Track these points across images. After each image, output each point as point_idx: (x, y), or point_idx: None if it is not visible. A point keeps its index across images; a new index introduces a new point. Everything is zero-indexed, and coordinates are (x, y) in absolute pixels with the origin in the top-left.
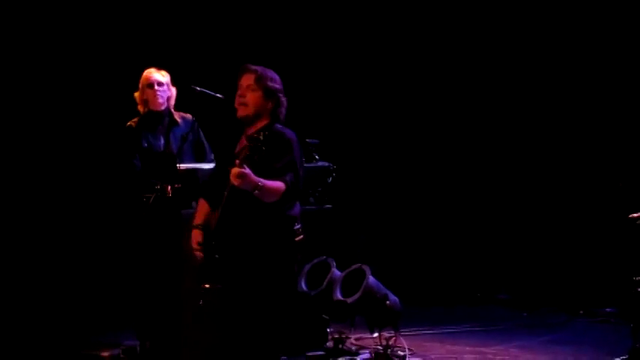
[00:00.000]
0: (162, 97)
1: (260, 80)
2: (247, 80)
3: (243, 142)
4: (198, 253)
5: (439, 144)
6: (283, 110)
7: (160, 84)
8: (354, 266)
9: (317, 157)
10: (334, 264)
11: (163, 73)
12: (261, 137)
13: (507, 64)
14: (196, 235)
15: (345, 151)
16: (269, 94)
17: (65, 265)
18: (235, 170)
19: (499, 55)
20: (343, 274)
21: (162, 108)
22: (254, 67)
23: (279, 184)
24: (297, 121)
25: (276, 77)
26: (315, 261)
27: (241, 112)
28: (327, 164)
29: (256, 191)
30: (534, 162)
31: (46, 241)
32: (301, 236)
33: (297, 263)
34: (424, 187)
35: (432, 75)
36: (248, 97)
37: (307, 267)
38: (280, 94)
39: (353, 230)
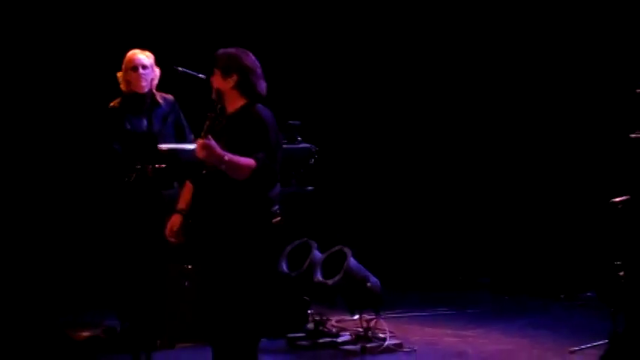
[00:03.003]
0: (145, 79)
1: (217, 62)
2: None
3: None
4: (172, 239)
5: (422, 126)
6: (256, 89)
7: (144, 67)
8: (334, 248)
9: (299, 138)
10: (315, 246)
11: (147, 54)
12: (217, 111)
13: (492, 53)
14: (174, 220)
15: (328, 132)
16: (226, 71)
17: (47, 246)
18: (199, 141)
19: (487, 45)
20: (324, 255)
21: (146, 90)
22: (217, 52)
23: (248, 161)
24: (279, 102)
25: (239, 54)
26: (296, 242)
27: (213, 94)
28: (309, 146)
29: (223, 165)
30: (515, 147)
31: (29, 221)
32: (279, 218)
33: (274, 245)
34: (407, 170)
35: (416, 56)
36: (212, 80)
37: (288, 248)
38: (244, 70)
39: (334, 212)
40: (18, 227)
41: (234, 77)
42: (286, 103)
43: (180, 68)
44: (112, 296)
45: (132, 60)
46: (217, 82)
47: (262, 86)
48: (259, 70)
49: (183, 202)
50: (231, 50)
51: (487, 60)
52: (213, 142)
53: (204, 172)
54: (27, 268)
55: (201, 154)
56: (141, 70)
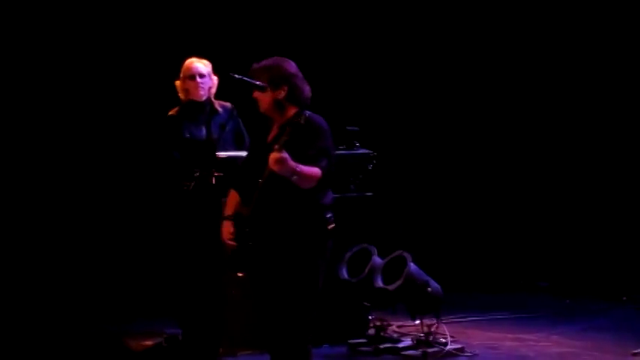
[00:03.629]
0: (203, 88)
1: (260, 76)
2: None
3: (275, 131)
4: (230, 243)
5: (479, 129)
6: (304, 95)
7: (201, 75)
8: (395, 253)
9: (357, 144)
10: (375, 251)
11: (205, 62)
12: (302, 121)
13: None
14: (227, 227)
15: (386, 137)
16: (274, 84)
17: (108, 254)
18: (275, 155)
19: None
20: (384, 261)
21: (204, 99)
22: (254, 67)
23: (315, 170)
24: (337, 108)
25: (283, 64)
26: (356, 249)
27: (260, 108)
28: (367, 151)
29: (294, 177)
30: (574, 148)
31: (92, 229)
32: (333, 225)
33: (329, 251)
34: (465, 174)
35: (472, 61)
36: (257, 95)
37: (348, 255)
38: (291, 79)
39: (394, 218)
40: (83, 235)
41: (285, 88)
42: (344, 108)
43: (236, 75)
44: (173, 305)
45: (190, 69)
46: (266, 97)
47: (308, 91)
48: (301, 75)
49: (230, 208)
50: (271, 62)
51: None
52: (287, 156)
53: (260, 180)
54: (87, 276)
55: (276, 168)
56: (198, 79)
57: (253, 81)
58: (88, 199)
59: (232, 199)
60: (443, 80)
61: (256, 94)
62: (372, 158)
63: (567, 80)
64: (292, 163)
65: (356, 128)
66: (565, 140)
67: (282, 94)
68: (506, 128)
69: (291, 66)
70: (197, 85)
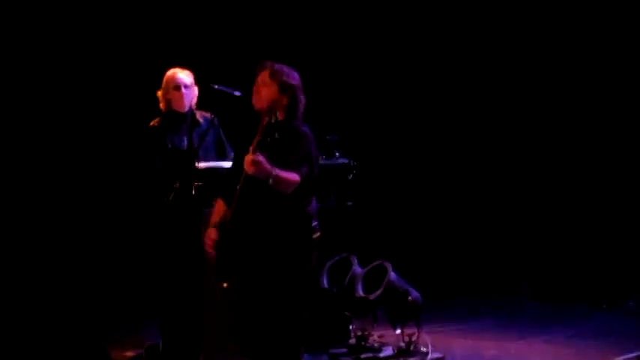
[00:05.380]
0: (187, 99)
1: (274, 75)
2: (263, 76)
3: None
4: (210, 251)
5: (461, 138)
6: (301, 107)
7: (186, 86)
8: (375, 262)
9: (337, 153)
10: (356, 260)
11: (187, 73)
12: (272, 120)
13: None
14: (210, 235)
15: (366, 147)
16: (284, 88)
17: (88, 264)
18: (249, 157)
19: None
20: (365, 270)
21: (187, 109)
22: (270, 63)
23: (293, 175)
24: (317, 117)
25: (294, 74)
26: (337, 258)
27: (256, 104)
28: (347, 161)
29: (271, 180)
30: (558, 154)
31: (69, 240)
32: (318, 233)
33: (314, 260)
34: (445, 182)
35: (456, 68)
36: (262, 91)
37: (328, 264)
38: (297, 91)
39: (374, 227)
40: (66, 244)
41: (290, 96)
42: (323, 117)
43: (216, 85)
44: (154, 314)
45: (174, 79)
46: (273, 96)
47: (303, 105)
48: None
49: (215, 217)
50: (286, 67)
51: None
52: (262, 158)
53: (238, 187)
54: (69, 287)
55: (250, 169)
56: (183, 90)
57: (232, 91)
58: (69, 209)
59: (219, 207)
60: (422, 88)
61: (260, 87)
62: (352, 168)
63: (545, 84)
64: (268, 166)
65: (335, 137)
66: (548, 146)
67: (284, 100)
68: (485, 131)
69: (298, 77)
70: (182, 96)
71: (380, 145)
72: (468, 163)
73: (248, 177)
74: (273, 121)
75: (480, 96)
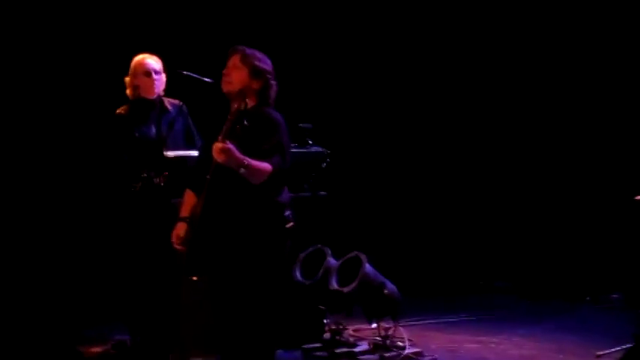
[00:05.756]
0: (158, 86)
1: (246, 59)
2: (234, 60)
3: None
4: (178, 247)
5: (436, 128)
6: (272, 94)
7: (156, 72)
8: (350, 254)
9: (310, 142)
10: (330, 252)
11: (156, 59)
12: (242, 107)
13: (503, 55)
14: (179, 228)
15: (340, 135)
16: (255, 72)
17: (54, 259)
18: (218, 145)
19: (497, 47)
20: (339, 262)
21: (156, 97)
22: (242, 47)
23: (265, 165)
24: (290, 104)
25: (266, 59)
26: (310, 250)
27: (225, 87)
28: (320, 149)
29: (242, 169)
30: (534, 146)
31: (34, 234)
32: (291, 223)
33: (287, 251)
34: (421, 174)
35: (429, 58)
36: (233, 75)
37: (302, 256)
38: (269, 76)
39: (348, 218)
40: (24, 238)
41: (261, 81)
42: (296, 105)
43: (185, 72)
44: (122, 310)
45: (143, 65)
46: (244, 80)
47: (275, 91)
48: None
49: (185, 209)
50: (258, 52)
51: (509, 63)
52: (232, 146)
53: (207, 177)
54: (33, 280)
55: (220, 158)
56: (154, 76)
57: (202, 78)
58: (33, 202)
59: (188, 199)
60: (397, 73)
61: (230, 70)
62: (325, 156)
63: (527, 80)
64: (238, 155)
65: (309, 125)
66: (522, 139)
67: (256, 85)
68: (459, 127)
69: (270, 63)
70: (152, 83)
71: (355, 133)
72: (446, 151)
73: (218, 166)
74: (243, 107)
75: (460, 82)
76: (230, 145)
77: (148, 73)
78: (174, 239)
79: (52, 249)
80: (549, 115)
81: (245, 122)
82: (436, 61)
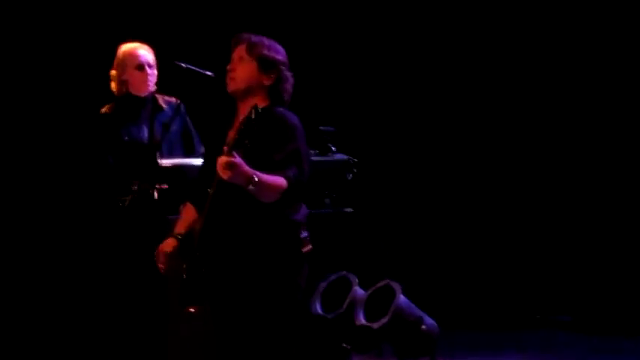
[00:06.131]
0: (152, 80)
1: (253, 49)
2: (239, 51)
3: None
4: (160, 265)
5: (478, 131)
6: (288, 88)
7: (150, 65)
8: (380, 283)
9: (333, 148)
10: (356, 281)
11: (148, 49)
12: (253, 115)
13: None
14: (167, 244)
15: (368, 140)
16: (265, 64)
17: (35, 280)
18: (223, 159)
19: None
20: (367, 293)
21: (148, 93)
22: (247, 35)
23: (279, 180)
24: (307, 102)
25: (278, 47)
26: (333, 278)
27: (231, 85)
28: (345, 157)
29: (250, 186)
30: (598, 177)
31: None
32: (309, 246)
33: (305, 279)
34: (464, 186)
35: (461, 60)
36: (239, 70)
37: (323, 285)
38: (282, 67)
39: (378, 239)
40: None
41: (274, 74)
42: (315, 103)
43: (183, 64)
44: (110, 339)
45: (135, 56)
46: (251, 74)
47: (291, 86)
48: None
49: (182, 225)
50: (267, 39)
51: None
52: (240, 160)
53: (210, 191)
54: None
55: (225, 175)
56: (147, 70)
57: (204, 71)
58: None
59: (187, 214)
60: (432, 76)
61: (235, 64)
62: (351, 166)
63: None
64: (247, 169)
65: (331, 128)
66: (592, 162)
67: (268, 80)
68: (508, 130)
69: (284, 54)
70: (146, 77)
71: (387, 136)
72: (489, 162)
73: (222, 181)
74: (253, 114)
75: (497, 92)
76: (237, 159)
77: (140, 66)
78: (159, 257)
79: (34, 269)
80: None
81: (255, 127)
82: (482, 59)
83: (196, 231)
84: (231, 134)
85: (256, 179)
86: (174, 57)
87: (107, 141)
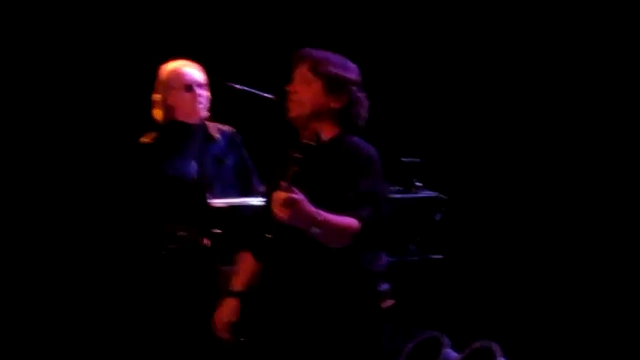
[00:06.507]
0: (203, 103)
1: (318, 67)
2: (301, 70)
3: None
4: (225, 335)
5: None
6: (362, 112)
7: (200, 86)
8: (477, 343)
9: (419, 184)
10: (448, 342)
11: (198, 67)
12: (314, 143)
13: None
14: (229, 309)
15: (460, 174)
16: (333, 85)
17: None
18: (280, 195)
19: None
20: (462, 356)
21: (198, 120)
22: (310, 51)
23: (349, 221)
24: (386, 130)
25: (348, 64)
26: (420, 338)
27: (292, 111)
28: (434, 194)
29: (314, 229)
30: None
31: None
32: (390, 301)
33: (385, 341)
34: (581, 223)
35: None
36: (301, 92)
37: (408, 348)
38: (354, 88)
39: (474, 291)
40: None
41: (344, 98)
42: (396, 131)
43: (237, 85)
44: None
45: (182, 75)
46: (316, 97)
47: (366, 111)
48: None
49: (239, 281)
50: (337, 56)
51: None
52: (301, 196)
53: (269, 236)
54: None
55: (283, 214)
56: (197, 91)
57: (262, 93)
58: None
59: (245, 266)
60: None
61: (297, 85)
62: (441, 204)
63: None
64: (310, 208)
65: (417, 160)
66: None
67: (337, 104)
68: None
69: (356, 71)
70: (195, 100)
71: (482, 171)
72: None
73: (280, 223)
74: (315, 140)
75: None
76: (298, 196)
77: (188, 87)
78: (218, 324)
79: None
80: None
81: (320, 159)
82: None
83: (255, 286)
84: (293, 168)
85: (321, 219)
86: (227, 78)
87: (147, 177)
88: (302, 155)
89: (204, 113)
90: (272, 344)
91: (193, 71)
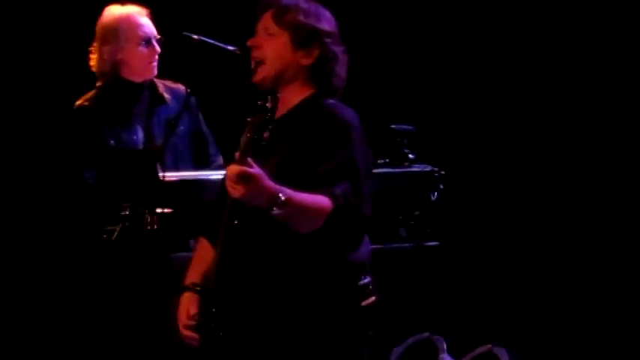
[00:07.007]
0: (156, 60)
1: (283, 16)
2: (265, 20)
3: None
4: (188, 333)
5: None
6: (338, 70)
7: (157, 39)
8: (479, 349)
9: (411, 156)
10: (444, 345)
11: (147, 13)
12: (270, 104)
13: None
14: (188, 303)
15: (460, 144)
16: (302, 37)
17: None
18: (233, 169)
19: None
20: None
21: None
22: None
23: (321, 200)
24: (373, 93)
25: (322, 12)
26: (412, 340)
27: (257, 74)
28: (428, 168)
29: (275, 209)
30: None
31: None
32: (373, 297)
33: (368, 345)
34: (588, 215)
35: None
36: (264, 47)
37: (398, 350)
38: (328, 40)
39: (474, 285)
40: None
41: (316, 51)
42: (384, 93)
43: (194, 36)
44: None
45: (139, 27)
46: (281, 52)
47: (343, 69)
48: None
49: (196, 271)
50: (308, 2)
51: None
52: (258, 170)
53: (235, 221)
54: None
55: (236, 191)
56: (156, 46)
57: (224, 45)
58: None
59: (201, 254)
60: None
61: (261, 39)
62: (437, 180)
63: None
64: (269, 184)
65: (410, 127)
66: None
67: (307, 60)
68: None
69: (331, 22)
70: (153, 57)
71: (486, 141)
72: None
73: (237, 203)
74: (271, 104)
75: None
76: (255, 170)
77: (147, 40)
78: (181, 321)
79: None
80: None
81: (269, 125)
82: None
83: (211, 277)
84: (248, 136)
85: (283, 198)
86: (182, 27)
87: (85, 147)
88: (257, 120)
89: (155, 70)
90: (234, 347)
91: (147, 22)
